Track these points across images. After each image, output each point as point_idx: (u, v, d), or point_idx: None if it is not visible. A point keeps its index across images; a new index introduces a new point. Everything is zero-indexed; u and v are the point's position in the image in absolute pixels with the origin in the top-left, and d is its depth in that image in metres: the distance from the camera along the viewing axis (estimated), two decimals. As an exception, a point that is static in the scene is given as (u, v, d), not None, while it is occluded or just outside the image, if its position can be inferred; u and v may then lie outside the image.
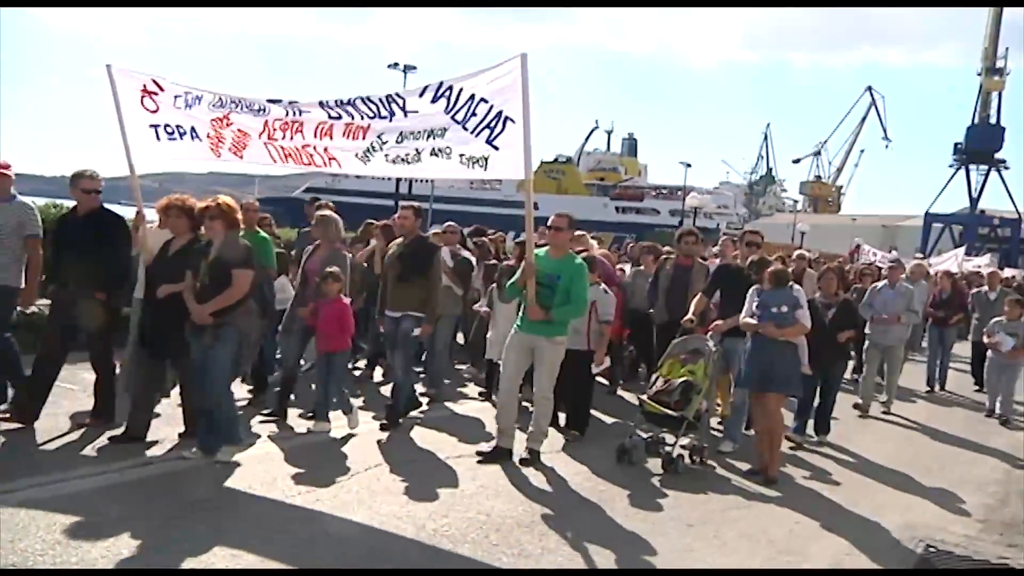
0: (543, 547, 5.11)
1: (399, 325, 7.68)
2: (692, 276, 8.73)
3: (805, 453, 8.13)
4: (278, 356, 8.63)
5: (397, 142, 6.47)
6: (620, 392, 10.07)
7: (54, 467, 5.72)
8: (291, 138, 6.75)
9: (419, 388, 8.60)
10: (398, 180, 35.52)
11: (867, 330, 10.79)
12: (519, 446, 6.89)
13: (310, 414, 7.39)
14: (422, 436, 7.43)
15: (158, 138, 7.07)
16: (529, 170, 6.19)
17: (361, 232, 10.63)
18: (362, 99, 6.50)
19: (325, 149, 6.69)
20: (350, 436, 7.18)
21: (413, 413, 8.01)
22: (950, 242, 65.33)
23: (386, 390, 8.57)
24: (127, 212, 7.44)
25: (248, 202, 8.55)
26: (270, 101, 6.76)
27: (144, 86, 7.01)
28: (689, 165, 63.58)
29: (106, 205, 6.87)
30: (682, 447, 7.05)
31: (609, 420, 8.70)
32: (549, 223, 7.03)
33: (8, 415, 6.51)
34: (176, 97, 7.00)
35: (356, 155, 6.63)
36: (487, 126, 6.19)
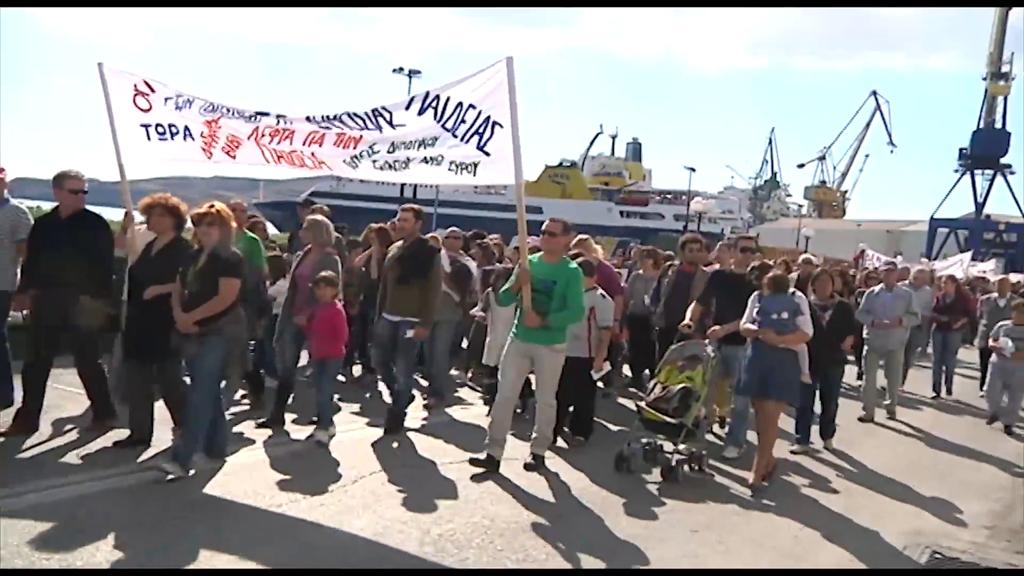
0: (547, 552, 5.11)
1: (395, 329, 7.58)
2: (694, 283, 8.65)
3: (808, 460, 8.03)
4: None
5: (389, 151, 6.43)
6: (620, 399, 9.97)
7: (51, 472, 5.69)
8: (279, 143, 6.69)
9: (416, 394, 8.47)
10: (403, 185, 35.54)
11: (865, 335, 10.67)
12: (517, 452, 6.84)
13: (313, 419, 7.29)
14: (423, 442, 7.38)
15: (149, 138, 6.98)
16: (520, 175, 6.11)
17: (364, 238, 10.57)
18: (348, 115, 6.44)
19: (312, 154, 6.64)
20: (352, 442, 7.11)
21: (413, 420, 7.93)
22: (955, 247, 65.20)
23: (378, 393, 8.53)
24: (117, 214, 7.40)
25: (236, 203, 8.48)
26: (259, 113, 6.70)
27: (135, 86, 6.94)
28: (693, 170, 63.61)
29: (89, 207, 6.76)
30: (680, 455, 6.93)
31: (610, 427, 8.57)
32: (543, 228, 6.90)
33: (7, 430, 6.44)
34: (167, 99, 6.93)
35: (344, 161, 6.59)
36: (476, 132, 6.12)
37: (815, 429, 8.57)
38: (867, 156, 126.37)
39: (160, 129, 6.96)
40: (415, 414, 8.12)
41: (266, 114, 6.69)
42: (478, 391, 9.51)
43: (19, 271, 6.73)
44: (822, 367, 7.60)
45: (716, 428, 8.46)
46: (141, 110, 6.95)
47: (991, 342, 10.84)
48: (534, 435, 6.85)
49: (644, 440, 7.07)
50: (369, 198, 73.14)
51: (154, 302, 6.07)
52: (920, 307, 11.82)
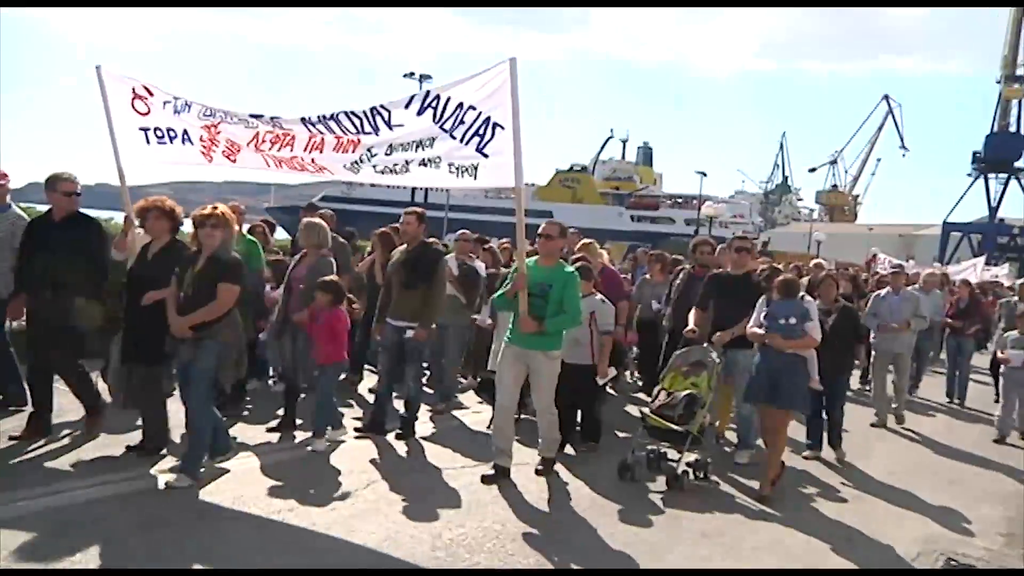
0: (559, 556, 5.12)
1: (402, 335, 7.50)
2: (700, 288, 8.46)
3: (818, 467, 7.93)
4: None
5: (387, 154, 6.35)
6: (627, 406, 9.87)
7: (46, 479, 5.64)
8: (280, 150, 6.64)
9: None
10: (413, 189, 35.56)
11: (872, 339, 10.55)
12: (527, 457, 6.80)
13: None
14: (432, 447, 7.35)
15: (148, 142, 6.94)
16: (520, 178, 5.99)
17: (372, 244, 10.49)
18: (346, 113, 6.37)
19: (313, 160, 6.59)
20: (360, 448, 7.07)
21: (420, 425, 7.88)
22: (968, 251, 64.88)
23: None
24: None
25: (234, 205, 8.44)
26: (252, 116, 6.64)
27: (133, 89, 6.90)
28: (704, 174, 63.50)
29: (99, 211, 6.79)
30: (687, 464, 6.81)
31: (618, 434, 8.42)
32: (539, 231, 6.77)
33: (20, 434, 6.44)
34: (165, 103, 6.89)
35: (345, 165, 6.53)
36: (476, 133, 6.02)
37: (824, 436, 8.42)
38: (879, 160, 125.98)
39: (159, 133, 6.92)
40: (422, 419, 8.06)
41: (259, 117, 6.62)
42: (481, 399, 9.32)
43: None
44: (826, 373, 7.52)
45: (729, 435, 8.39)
46: (139, 114, 6.90)
47: (999, 353, 10.54)
48: (540, 440, 6.78)
49: (648, 448, 6.97)
50: (379, 202, 73.39)
51: (151, 305, 5.98)
52: (929, 311, 11.69)
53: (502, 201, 79.92)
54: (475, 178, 6.12)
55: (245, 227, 9.05)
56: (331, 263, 7.55)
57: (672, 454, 6.83)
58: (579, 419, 7.71)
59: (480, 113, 5.99)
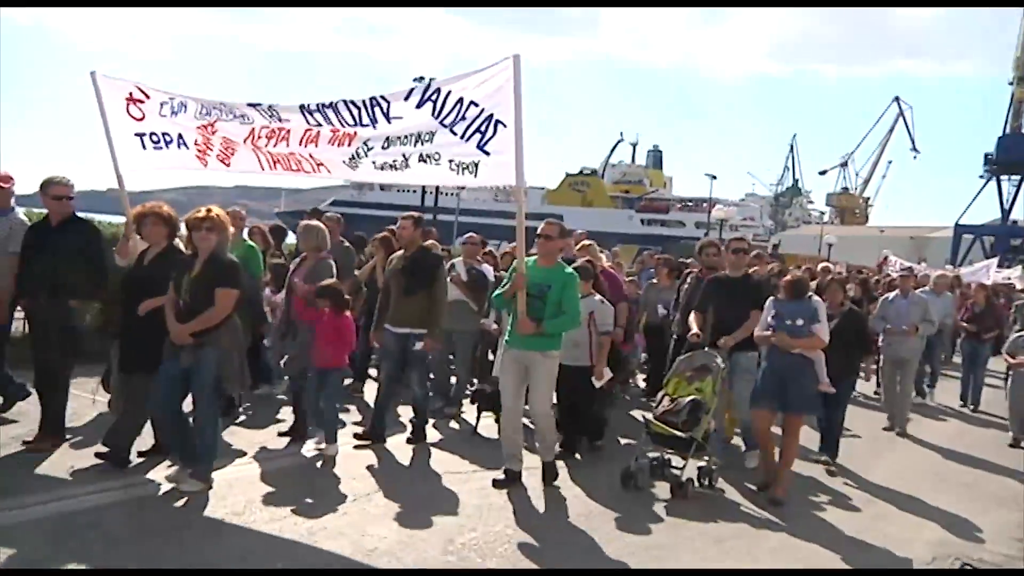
0: (570, 561, 5.13)
1: (404, 343, 7.37)
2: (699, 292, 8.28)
3: (829, 472, 7.81)
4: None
5: (383, 148, 6.23)
6: (632, 411, 9.76)
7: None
8: (276, 145, 6.54)
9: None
10: (423, 193, 35.54)
11: (880, 343, 10.38)
12: (537, 462, 6.75)
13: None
14: (442, 453, 7.30)
15: (144, 147, 6.89)
16: (521, 177, 5.86)
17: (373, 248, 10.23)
18: (344, 102, 6.24)
19: (311, 155, 6.48)
20: (367, 454, 7.01)
21: (431, 432, 7.84)
22: (981, 253, 64.51)
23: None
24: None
25: (234, 210, 8.26)
26: (250, 105, 6.56)
27: (130, 93, 6.83)
28: (715, 177, 63.29)
29: (106, 216, 6.75)
30: (699, 470, 6.72)
31: (621, 441, 8.30)
32: (538, 231, 6.61)
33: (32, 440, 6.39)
34: (162, 104, 6.82)
35: (343, 161, 6.42)
36: (477, 130, 5.88)
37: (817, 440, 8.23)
38: (890, 162, 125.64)
39: (154, 138, 6.87)
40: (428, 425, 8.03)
41: (257, 105, 6.54)
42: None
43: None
44: (830, 377, 7.43)
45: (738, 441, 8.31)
46: (134, 119, 6.85)
47: (1007, 357, 10.27)
48: (537, 444, 6.65)
49: (652, 455, 6.80)
50: (390, 207, 73.45)
51: (148, 312, 5.88)
52: (939, 314, 11.52)
53: (512, 205, 79.78)
54: (475, 175, 6.01)
55: (244, 232, 9.01)
56: (330, 266, 7.44)
57: (677, 461, 6.69)
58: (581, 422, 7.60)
59: (483, 110, 5.87)
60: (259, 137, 6.58)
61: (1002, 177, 78.99)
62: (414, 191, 56.88)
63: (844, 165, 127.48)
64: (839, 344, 7.50)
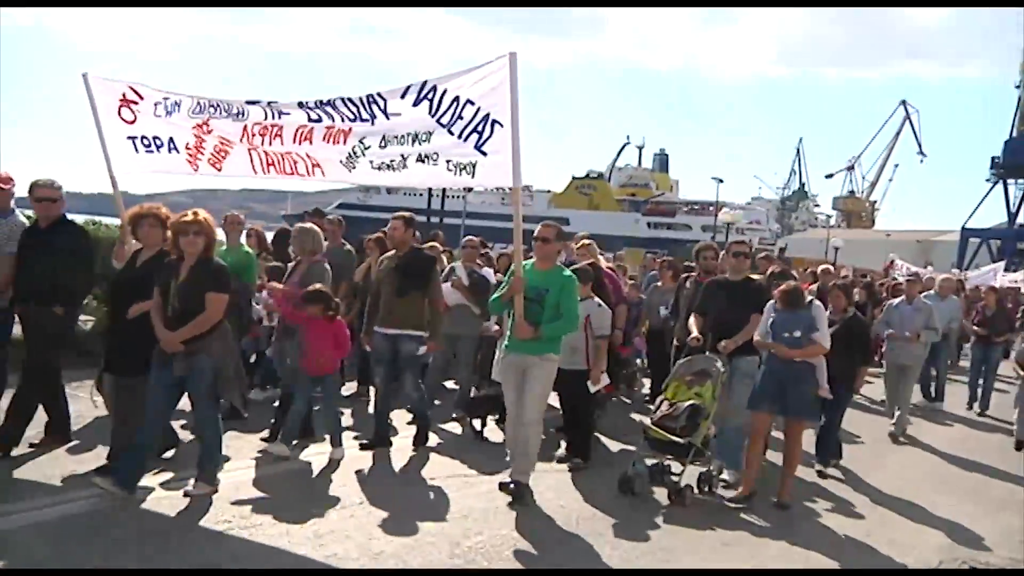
0: (576, 562, 5.17)
1: (396, 344, 7.24)
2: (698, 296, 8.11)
3: (834, 477, 7.77)
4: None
5: (380, 147, 6.15)
6: (635, 415, 9.64)
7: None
8: (270, 143, 6.48)
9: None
10: (430, 196, 35.56)
11: (884, 348, 10.28)
12: (545, 465, 6.72)
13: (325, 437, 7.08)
14: (446, 456, 7.25)
15: (136, 150, 6.85)
16: (518, 178, 5.74)
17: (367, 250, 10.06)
18: (342, 99, 6.18)
19: (307, 155, 6.39)
20: (369, 457, 6.99)
21: (434, 436, 7.79)
22: (987, 257, 64.31)
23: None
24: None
25: (233, 215, 8.20)
26: (248, 103, 6.50)
27: (123, 95, 6.79)
28: (721, 180, 63.02)
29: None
30: (701, 476, 6.68)
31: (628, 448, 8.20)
32: (535, 234, 6.48)
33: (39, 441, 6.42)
34: (156, 104, 6.76)
35: (340, 161, 6.32)
36: (475, 130, 5.78)
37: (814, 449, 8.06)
38: (896, 166, 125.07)
39: (145, 141, 6.83)
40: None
41: (256, 102, 6.49)
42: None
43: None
44: (830, 381, 7.24)
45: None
46: (126, 122, 6.81)
47: (1016, 367, 10.02)
48: (516, 459, 6.28)
49: (652, 460, 6.68)
50: (397, 210, 73.24)
51: (138, 315, 5.76)
52: (944, 320, 11.45)
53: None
54: (473, 176, 5.93)
55: (243, 236, 9.03)
56: (324, 270, 7.36)
57: (677, 467, 6.56)
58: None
59: (479, 109, 5.77)
60: (253, 135, 6.51)
61: (1009, 181, 78.62)
62: (420, 194, 56.84)
63: (850, 168, 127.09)
64: (840, 349, 7.42)
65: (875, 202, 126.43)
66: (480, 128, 5.78)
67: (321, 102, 6.27)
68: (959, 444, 10.07)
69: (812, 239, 79.55)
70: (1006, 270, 28.92)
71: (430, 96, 5.93)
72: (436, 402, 8.75)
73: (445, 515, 5.74)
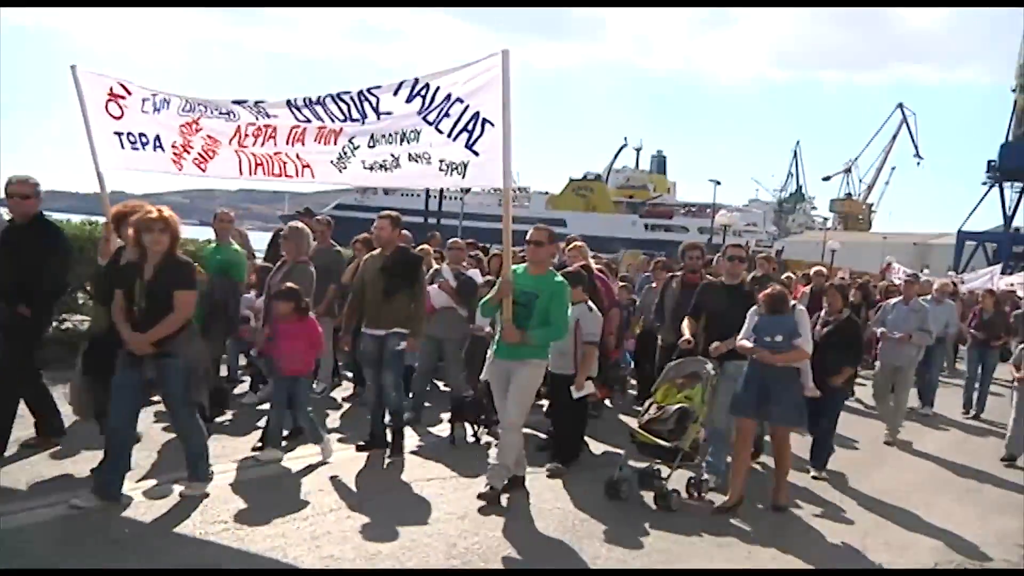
0: (573, 563, 5.17)
1: (383, 344, 7.08)
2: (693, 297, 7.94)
3: (825, 483, 7.61)
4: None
5: (370, 146, 6.07)
6: (620, 417, 9.52)
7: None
8: (263, 144, 6.39)
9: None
10: (427, 197, 35.55)
11: (879, 349, 10.25)
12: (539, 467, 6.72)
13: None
14: (442, 459, 7.15)
15: (123, 146, 6.78)
16: (508, 178, 5.67)
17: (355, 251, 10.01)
18: (332, 97, 6.10)
19: (298, 156, 6.32)
20: (371, 459, 6.95)
21: (433, 436, 7.74)
22: (983, 260, 64.36)
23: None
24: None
25: (223, 212, 8.13)
26: (235, 102, 6.43)
27: (111, 89, 6.71)
28: (718, 183, 63.20)
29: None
30: (688, 480, 6.59)
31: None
32: (527, 236, 6.35)
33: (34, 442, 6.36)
34: (144, 100, 6.70)
35: (331, 162, 6.24)
36: (465, 129, 5.69)
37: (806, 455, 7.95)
38: (893, 169, 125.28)
39: (131, 138, 6.76)
40: (428, 431, 8.04)
41: (243, 102, 6.40)
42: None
43: None
44: (823, 382, 7.20)
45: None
46: (113, 117, 6.74)
47: (1012, 370, 9.57)
48: (491, 463, 6.20)
49: (642, 464, 6.55)
50: (394, 210, 73.24)
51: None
52: (940, 324, 11.38)
53: (516, 210, 79.32)
54: (463, 176, 5.87)
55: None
56: (308, 271, 7.29)
57: (666, 471, 6.43)
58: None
59: (467, 107, 5.68)
60: (246, 135, 6.44)
61: (1005, 184, 78.68)
62: (418, 195, 56.71)
63: (848, 171, 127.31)
64: (835, 350, 7.41)
65: (872, 205, 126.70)
66: (471, 127, 5.70)
67: (311, 100, 6.18)
68: (954, 448, 10.02)
69: (809, 241, 79.61)
70: (1002, 273, 28.99)
71: (423, 93, 5.85)
72: (426, 404, 8.68)
73: (441, 517, 5.72)
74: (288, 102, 6.26)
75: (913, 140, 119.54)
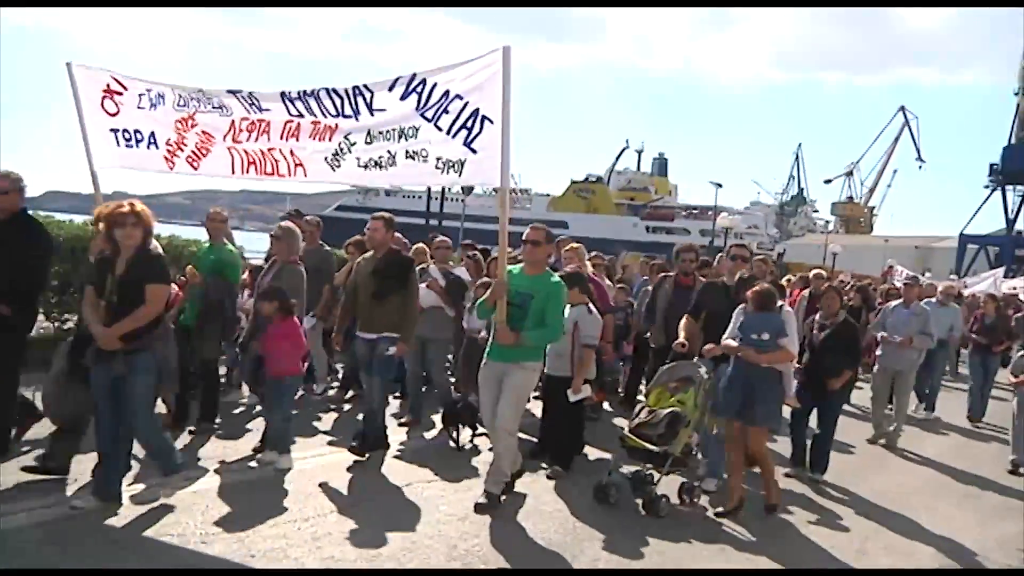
0: (575, 565, 5.18)
1: (376, 348, 6.98)
2: (694, 295, 7.87)
3: (826, 485, 7.58)
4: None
5: (366, 143, 5.99)
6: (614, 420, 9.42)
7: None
8: (256, 139, 6.35)
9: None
10: (428, 198, 35.50)
11: (878, 352, 10.16)
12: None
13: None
14: (441, 461, 7.11)
15: (118, 143, 6.77)
16: (506, 177, 5.59)
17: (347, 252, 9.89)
18: (327, 90, 6.02)
19: (292, 152, 6.26)
20: (371, 460, 6.90)
21: (430, 437, 7.68)
22: (985, 264, 64.27)
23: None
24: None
25: (216, 211, 8.04)
26: (229, 92, 6.37)
27: (107, 85, 6.70)
28: (720, 185, 63.06)
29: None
30: (680, 485, 6.47)
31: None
32: (524, 236, 6.23)
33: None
34: (139, 96, 6.69)
35: (325, 159, 6.17)
36: (464, 126, 5.62)
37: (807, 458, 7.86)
38: (895, 172, 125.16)
39: (126, 135, 6.74)
40: (426, 431, 8.01)
41: (236, 92, 6.34)
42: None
43: None
44: (819, 390, 7.17)
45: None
46: (109, 114, 6.73)
47: (1011, 378, 9.51)
48: (488, 470, 6.17)
49: (633, 468, 6.45)
50: (395, 212, 73.21)
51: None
52: (943, 327, 11.34)
53: (517, 211, 80.00)
54: (460, 175, 5.81)
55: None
56: (298, 272, 7.24)
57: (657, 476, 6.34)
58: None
59: (467, 104, 5.61)
60: (240, 131, 6.39)
61: (1007, 187, 78.59)
62: (419, 196, 56.75)
63: (849, 174, 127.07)
64: (832, 353, 7.37)
65: (874, 208, 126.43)
66: (469, 124, 5.64)
67: (305, 92, 6.12)
68: (955, 452, 9.96)
69: (810, 244, 79.56)
70: (1005, 276, 28.97)
71: (419, 89, 5.78)
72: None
73: (442, 518, 5.72)
74: (282, 94, 6.20)
75: (915, 143, 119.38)
